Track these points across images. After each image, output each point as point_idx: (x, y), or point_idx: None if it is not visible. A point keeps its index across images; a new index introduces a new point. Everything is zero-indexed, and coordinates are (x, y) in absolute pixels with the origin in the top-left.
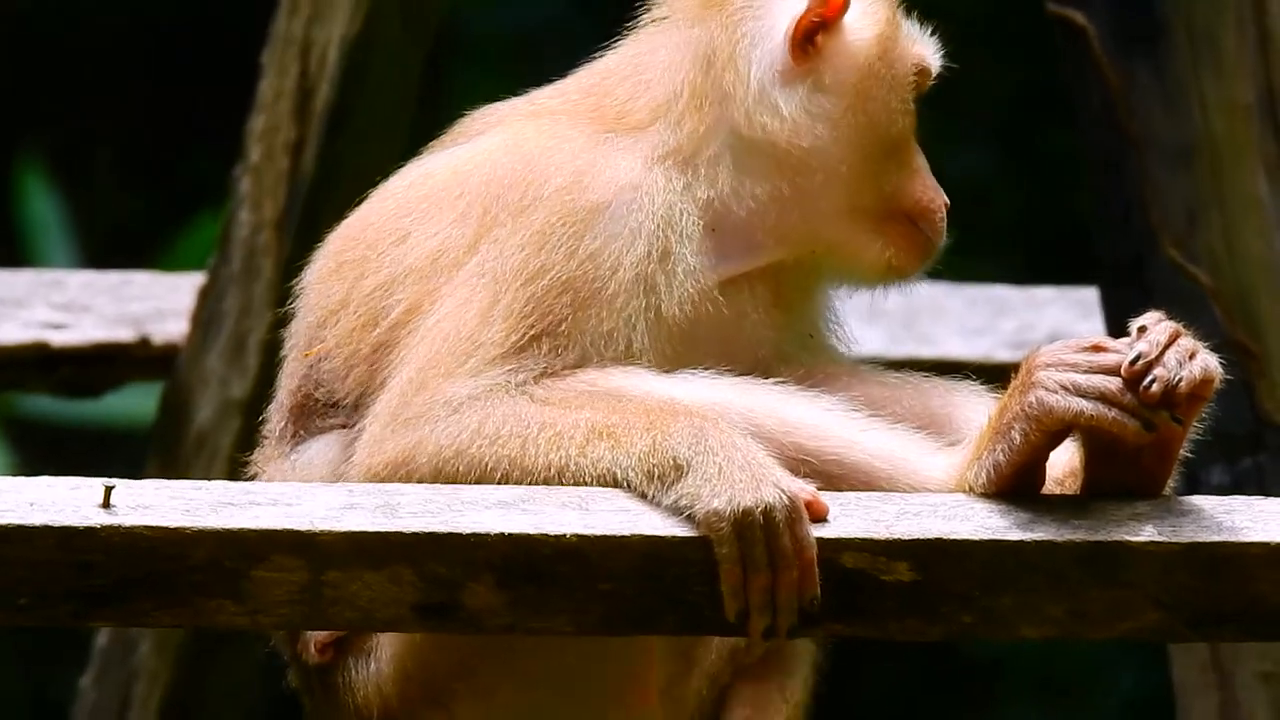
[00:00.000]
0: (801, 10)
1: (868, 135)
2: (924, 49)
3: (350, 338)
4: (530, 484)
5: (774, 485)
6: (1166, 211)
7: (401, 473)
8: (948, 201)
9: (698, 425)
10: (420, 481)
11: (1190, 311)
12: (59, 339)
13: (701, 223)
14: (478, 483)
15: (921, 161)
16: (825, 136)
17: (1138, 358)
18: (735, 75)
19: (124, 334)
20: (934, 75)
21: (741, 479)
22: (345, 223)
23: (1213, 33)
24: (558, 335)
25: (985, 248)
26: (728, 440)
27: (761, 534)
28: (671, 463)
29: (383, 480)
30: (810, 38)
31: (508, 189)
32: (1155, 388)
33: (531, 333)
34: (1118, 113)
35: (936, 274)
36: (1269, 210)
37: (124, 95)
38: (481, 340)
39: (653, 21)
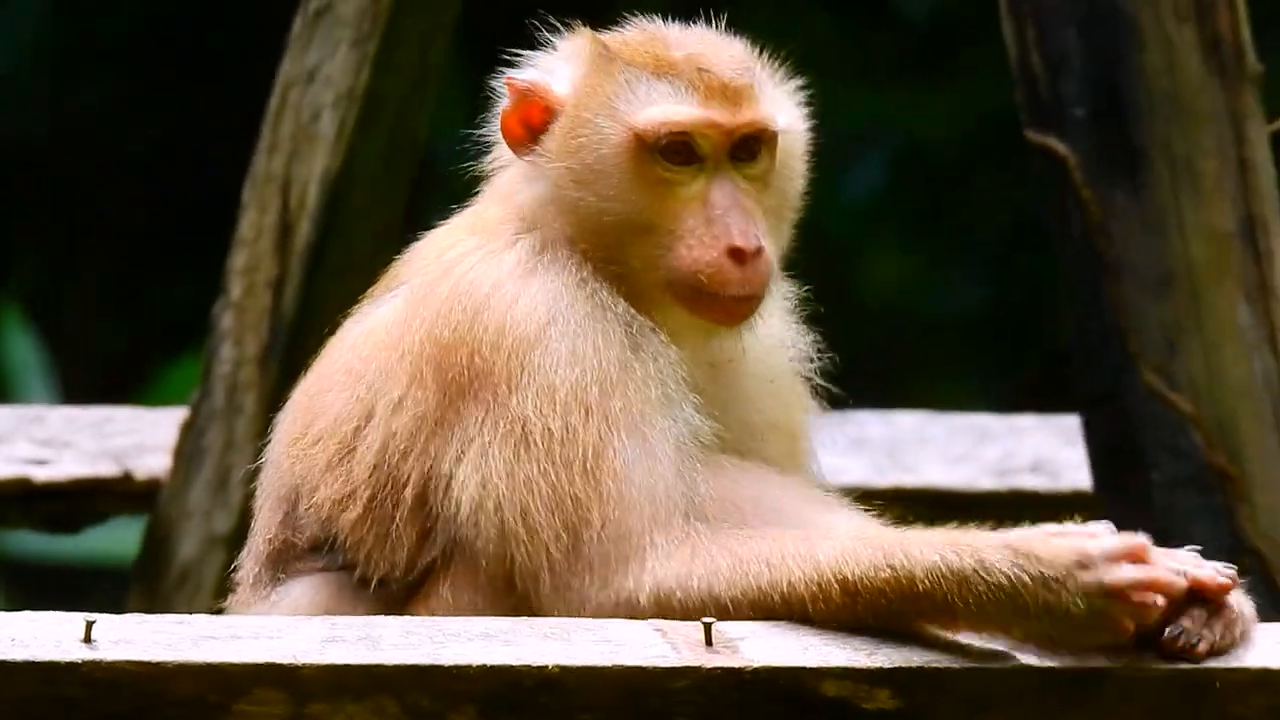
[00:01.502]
0: (501, 114)
1: (597, 218)
2: (653, 110)
3: (344, 504)
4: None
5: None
6: (1145, 338)
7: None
8: (732, 243)
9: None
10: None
11: (1169, 437)
12: (41, 474)
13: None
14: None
15: (696, 219)
16: (571, 223)
17: (1181, 633)
18: (510, 182)
19: (106, 469)
20: (687, 129)
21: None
22: (300, 393)
23: (1192, 160)
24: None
25: (968, 376)
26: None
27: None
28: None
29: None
30: (538, 132)
31: (448, 351)
32: (1202, 647)
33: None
34: (1097, 240)
35: (920, 403)
36: (1249, 336)
37: (102, 233)
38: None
39: None
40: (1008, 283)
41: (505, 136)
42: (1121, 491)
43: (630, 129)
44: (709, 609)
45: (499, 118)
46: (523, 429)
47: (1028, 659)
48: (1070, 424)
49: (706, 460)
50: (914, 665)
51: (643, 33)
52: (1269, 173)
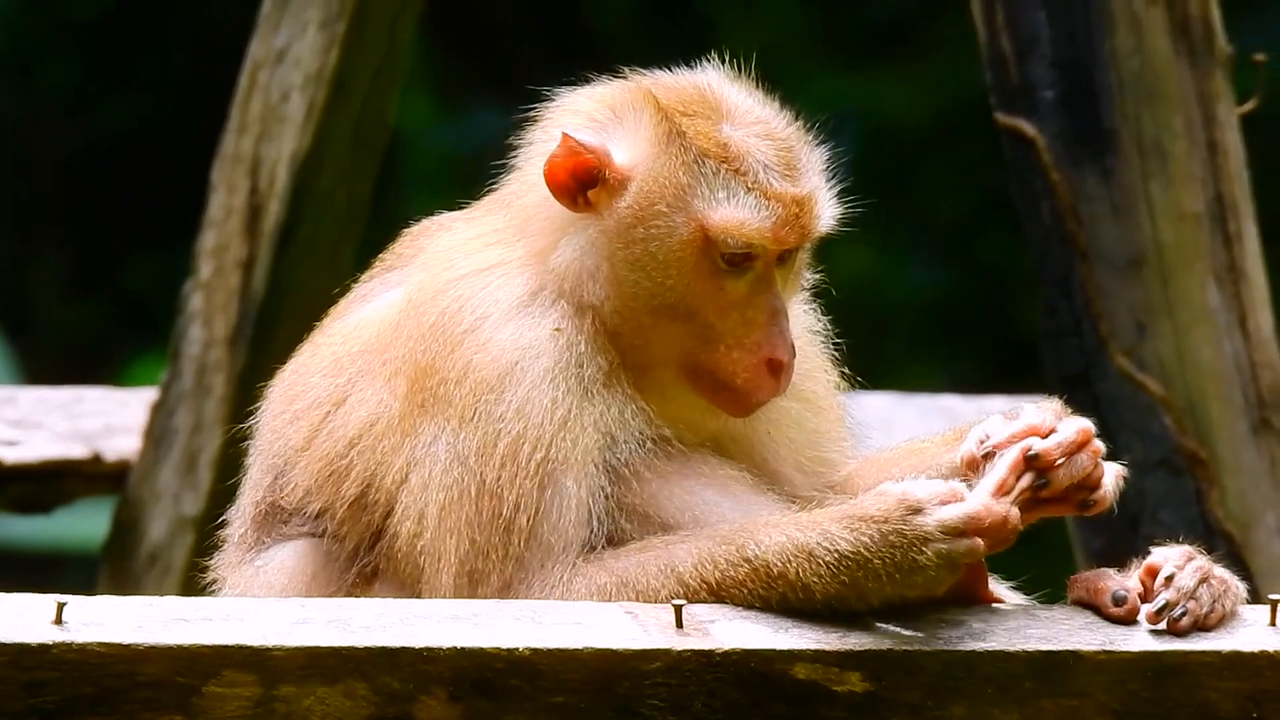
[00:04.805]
0: (548, 161)
1: (645, 299)
2: (729, 217)
3: (317, 482)
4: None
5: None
6: (1115, 321)
7: None
8: (774, 356)
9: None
10: None
11: (1140, 420)
12: (11, 456)
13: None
14: None
15: (740, 321)
16: (608, 292)
17: (1164, 606)
18: (539, 219)
19: (76, 450)
20: (757, 244)
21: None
22: (292, 366)
23: (1162, 142)
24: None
25: (936, 358)
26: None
27: None
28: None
29: None
30: (585, 187)
31: (424, 373)
32: (1185, 621)
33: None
34: (1066, 222)
35: (887, 385)
36: (1219, 318)
37: (69, 215)
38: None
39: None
40: (975, 264)
41: (550, 183)
42: None
43: (702, 228)
44: None
45: (547, 162)
46: (460, 471)
47: (998, 643)
48: None
49: (649, 470)
50: (885, 648)
51: (698, 98)
52: (1238, 154)
